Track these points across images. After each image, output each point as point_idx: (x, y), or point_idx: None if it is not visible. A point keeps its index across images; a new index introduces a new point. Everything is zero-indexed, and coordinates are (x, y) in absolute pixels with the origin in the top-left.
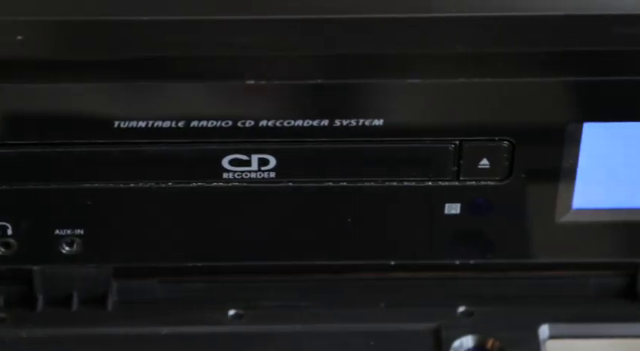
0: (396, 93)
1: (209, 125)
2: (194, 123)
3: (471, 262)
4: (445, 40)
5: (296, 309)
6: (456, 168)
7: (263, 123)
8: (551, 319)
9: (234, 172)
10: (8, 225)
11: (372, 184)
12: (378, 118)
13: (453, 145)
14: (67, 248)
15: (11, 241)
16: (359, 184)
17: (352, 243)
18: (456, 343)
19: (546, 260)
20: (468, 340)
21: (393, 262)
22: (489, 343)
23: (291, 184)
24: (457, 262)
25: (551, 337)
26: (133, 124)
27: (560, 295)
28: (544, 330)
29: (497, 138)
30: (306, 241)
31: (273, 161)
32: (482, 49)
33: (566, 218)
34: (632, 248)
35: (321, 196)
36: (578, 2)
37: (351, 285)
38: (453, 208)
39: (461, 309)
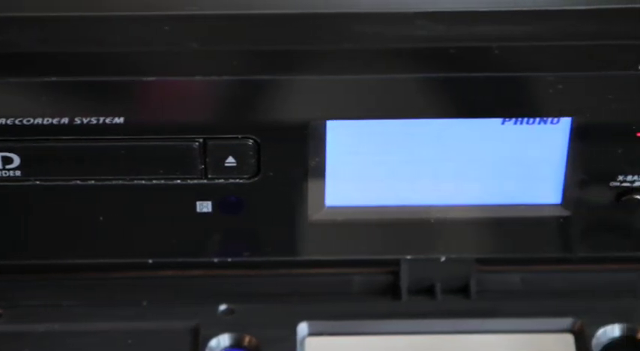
0: (134, 91)
1: None
2: None
3: (229, 260)
4: (177, 37)
5: (56, 308)
6: (202, 166)
7: (2, 121)
8: (310, 317)
9: None
10: None
11: (121, 182)
12: (119, 117)
13: (197, 143)
14: None
15: None
16: (107, 183)
17: (107, 241)
18: (213, 342)
19: (306, 258)
20: (224, 339)
21: (151, 261)
22: (246, 341)
23: (38, 182)
24: (215, 260)
25: (311, 334)
26: None
27: (323, 293)
28: (303, 327)
29: (240, 136)
30: (61, 240)
31: (17, 160)
32: (215, 47)
33: (320, 216)
34: (392, 245)
35: (71, 195)
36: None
37: (112, 283)
38: (204, 207)
39: (222, 307)
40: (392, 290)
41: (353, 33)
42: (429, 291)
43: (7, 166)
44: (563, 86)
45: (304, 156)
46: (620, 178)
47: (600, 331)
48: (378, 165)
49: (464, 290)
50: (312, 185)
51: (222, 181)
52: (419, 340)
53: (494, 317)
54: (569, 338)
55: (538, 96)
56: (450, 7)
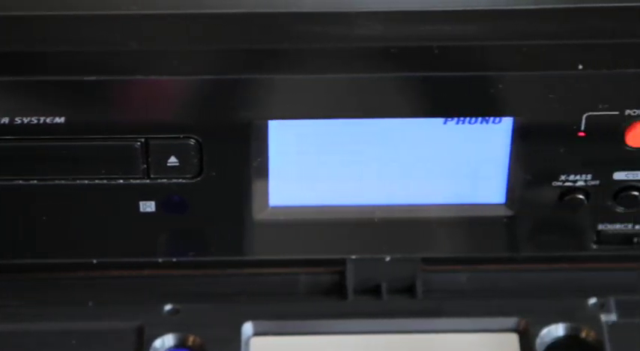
0: (74, 90)
1: None
2: None
3: (174, 259)
4: (117, 36)
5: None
6: (145, 166)
7: None
8: (256, 317)
9: None
10: None
11: (63, 182)
12: (60, 116)
13: (139, 143)
14: None
15: None
16: (49, 182)
17: (51, 241)
18: (157, 342)
19: (251, 258)
20: (169, 339)
21: (95, 261)
22: (190, 341)
23: None
24: (160, 260)
25: (256, 334)
26: None
27: (268, 293)
28: (247, 327)
29: (182, 136)
30: (4, 240)
31: None
32: (154, 47)
33: (264, 216)
34: (337, 245)
35: (13, 195)
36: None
37: (57, 284)
38: (148, 206)
39: (167, 307)
40: (338, 290)
41: (294, 33)
42: (374, 291)
43: None
44: (503, 86)
45: (247, 156)
46: (563, 177)
47: (544, 331)
48: (321, 165)
49: (410, 290)
50: (255, 185)
51: (164, 180)
52: (365, 340)
53: (440, 317)
54: (514, 337)
55: (479, 96)
56: (390, 7)
